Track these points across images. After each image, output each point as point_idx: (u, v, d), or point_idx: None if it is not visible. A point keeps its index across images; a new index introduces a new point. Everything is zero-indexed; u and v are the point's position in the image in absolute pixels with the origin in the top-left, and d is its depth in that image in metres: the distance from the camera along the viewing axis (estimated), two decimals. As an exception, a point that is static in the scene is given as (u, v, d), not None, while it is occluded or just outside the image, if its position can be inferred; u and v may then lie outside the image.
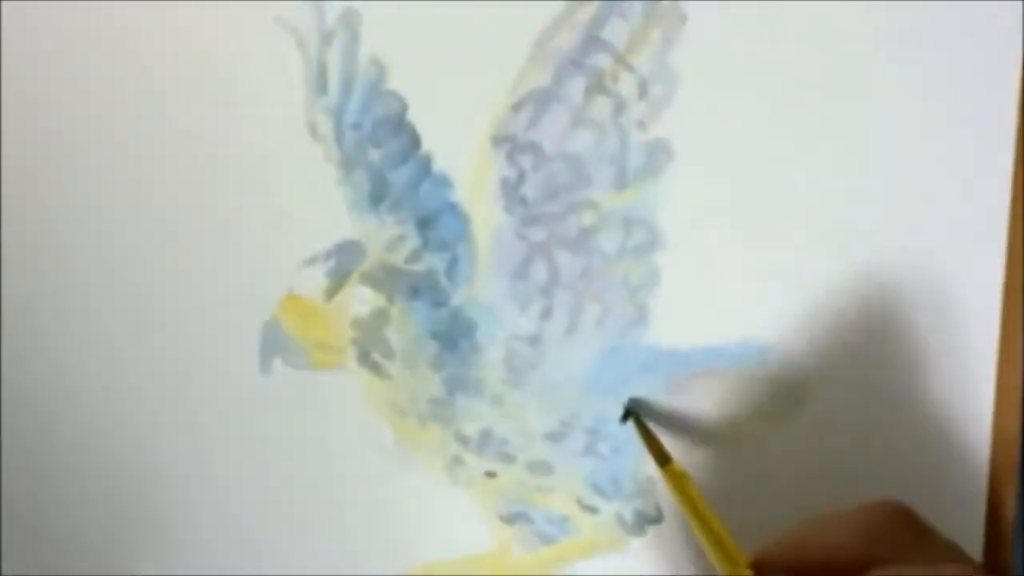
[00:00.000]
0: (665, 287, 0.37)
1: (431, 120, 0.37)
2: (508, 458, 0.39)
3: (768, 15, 0.34)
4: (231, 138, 0.38)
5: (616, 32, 0.35)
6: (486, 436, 0.39)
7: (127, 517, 0.42)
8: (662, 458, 0.36)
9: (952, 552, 0.30)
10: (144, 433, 0.41)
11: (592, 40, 0.35)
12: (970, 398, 0.36)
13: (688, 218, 0.36)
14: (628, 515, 0.39)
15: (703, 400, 0.38)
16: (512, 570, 0.40)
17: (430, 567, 0.41)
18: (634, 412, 0.37)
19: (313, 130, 0.38)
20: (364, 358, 0.39)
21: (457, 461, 0.39)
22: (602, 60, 0.35)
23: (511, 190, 0.37)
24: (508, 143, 0.36)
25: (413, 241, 0.38)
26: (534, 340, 0.38)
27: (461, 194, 0.37)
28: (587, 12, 0.35)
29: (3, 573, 0.42)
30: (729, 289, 0.37)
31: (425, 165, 0.37)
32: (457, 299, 0.38)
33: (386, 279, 0.38)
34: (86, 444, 0.41)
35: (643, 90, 0.36)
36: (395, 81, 0.37)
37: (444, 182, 0.37)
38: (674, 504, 0.39)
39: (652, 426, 0.38)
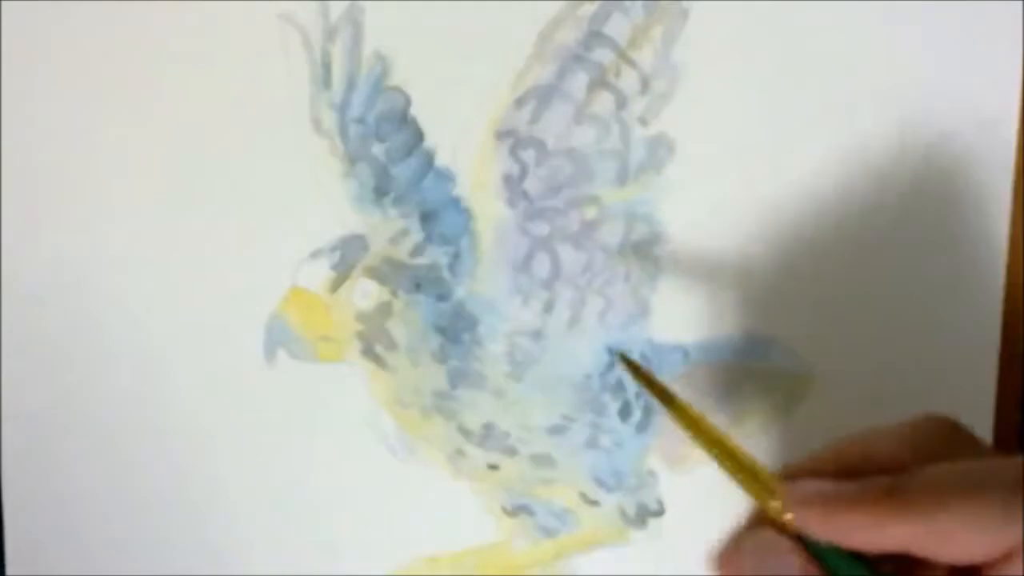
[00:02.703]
0: (666, 281, 0.37)
1: (434, 115, 0.37)
2: (511, 451, 0.39)
3: (769, 12, 0.35)
4: (236, 133, 0.38)
5: (618, 28, 0.35)
6: (489, 429, 0.39)
7: (129, 513, 0.42)
8: (666, 397, 0.33)
9: (1001, 457, 0.26)
10: (147, 426, 0.41)
11: (594, 36, 0.36)
12: (971, 396, 0.36)
13: (689, 213, 0.37)
14: (630, 508, 0.39)
15: (704, 394, 0.38)
16: (514, 562, 0.41)
17: (432, 559, 0.41)
18: (624, 358, 0.36)
19: (317, 125, 0.38)
20: (368, 351, 0.39)
21: (460, 454, 0.40)
22: (604, 55, 0.36)
23: (514, 185, 0.37)
24: (511, 138, 0.37)
25: (416, 235, 0.38)
26: (536, 334, 0.38)
27: (464, 189, 0.37)
28: (590, 8, 0.35)
29: (7, 574, 0.43)
30: (730, 284, 0.37)
31: (428, 160, 0.37)
32: (460, 293, 0.38)
33: (390, 273, 0.38)
34: (88, 439, 0.41)
35: (645, 85, 0.36)
36: (399, 76, 0.37)
37: (447, 177, 0.37)
38: (675, 496, 0.39)
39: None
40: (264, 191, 0.39)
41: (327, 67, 0.37)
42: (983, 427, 0.37)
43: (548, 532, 0.40)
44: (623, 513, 0.39)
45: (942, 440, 0.27)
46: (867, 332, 0.36)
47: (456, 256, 0.38)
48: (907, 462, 0.25)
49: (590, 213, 0.37)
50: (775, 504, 0.27)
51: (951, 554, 0.24)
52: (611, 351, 0.37)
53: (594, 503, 0.39)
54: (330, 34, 0.37)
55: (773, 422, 0.37)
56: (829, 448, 0.27)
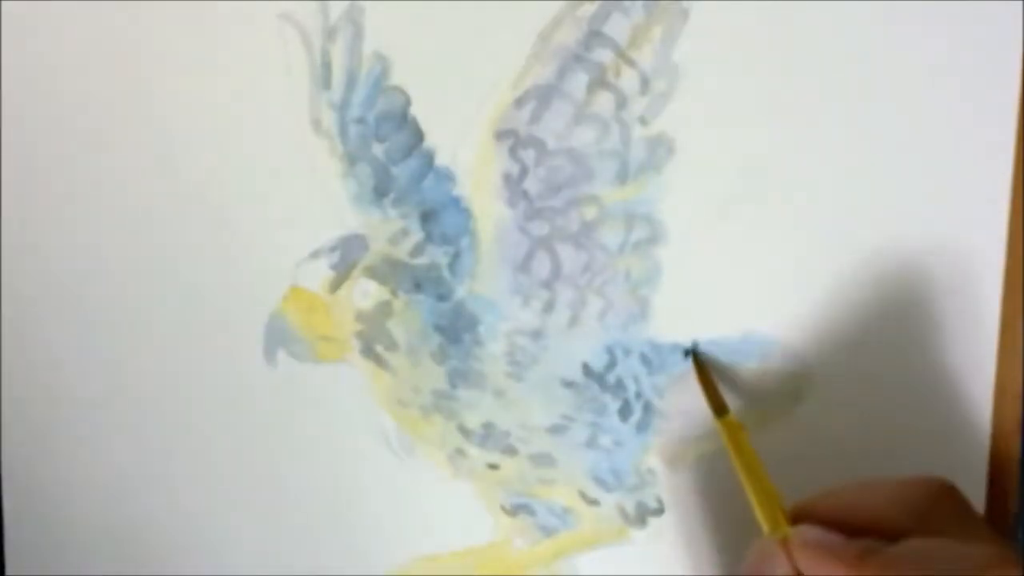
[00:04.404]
0: (666, 281, 0.37)
1: (434, 115, 0.37)
2: (510, 450, 0.39)
3: (769, 12, 0.34)
4: (236, 133, 0.38)
5: (618, 27, 0.35)
6: (489, 429, 0.39)
7: (128, 513, 0.42)
8: (719, 407, 0.36)
9: (990, 535, 0.30)
10: (148, 427, 0.41)
11: (594, 35, 0.35)
12: (970, 394, 0.36)
13: (689, 213, 0.36)
14: (630, 507, 0.39)
15: (703, 394, 0.38)
16: (514, 562, 0.41)
17: (432, 559, 0.41)
18: (696, 354, 0.37)
19: (317, 125, 0.38)
20: (368, 351, 0.39)
21: (460, 453, 0.40)
22: (604, 55, 0.36)
23: (514, 184, 0.37)
24: (511, 138, 0.37)
25: (416, 235, 0.38)
26: (536, 334, 0.38)
27: (464, 188, 0.37)
28: (590, 8, 0.35)
29: (7, 574, 0.43)
30: (730, 283, 0.37)
31: (428, 159, 0.37)
32: (460, 293, 0.38)
33: (390, 272, 0.38)
34: (89, 440, 0.42)
35: (645, 85, 0.36)
36: (398, 76, 0.37)
37: (447, 176, 0.37)
38: (675, 495, 0.39)
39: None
40: (264, 191, 0.39)
41: (327, 67, 0.37)
42: (982, 426, 0.37)
43: (548, 531, 0.40)
44: (623, 512, 0.39)
45: (936, 506, 0.30)
46: (867, 332, 0.36)
47: (456, 256, 0.38)
48: (902, 522, 0.30)
49: (590, 213, 0.37)
50: (779, 535, 0.31)
51: None
52: (687, 349, 0.37)
53: (594, 502, 0.40)
54: (330, 34, 0.37)
55: (773, 422, 0.37)
56: (837, 495, 0.32)
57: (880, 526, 0.30)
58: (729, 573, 0.39)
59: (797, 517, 0.32)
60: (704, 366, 0.37)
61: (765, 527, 0.32)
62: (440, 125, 0.37)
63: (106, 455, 0.42)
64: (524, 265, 0.37)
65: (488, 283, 0.38)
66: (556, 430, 0.39)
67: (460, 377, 0.39)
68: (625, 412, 0.38)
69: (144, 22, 0.38)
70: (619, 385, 0.38)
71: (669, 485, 0.39)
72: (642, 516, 0.39)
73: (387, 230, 0.38)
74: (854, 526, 0.30)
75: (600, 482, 0.39)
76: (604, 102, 0.36)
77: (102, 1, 0.38)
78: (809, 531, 0.30)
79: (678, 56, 0.35)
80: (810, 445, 0.37)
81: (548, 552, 0.40)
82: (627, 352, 0.38)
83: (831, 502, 0.31)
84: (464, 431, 0.39)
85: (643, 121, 0.36)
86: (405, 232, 0.38)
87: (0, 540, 0.43)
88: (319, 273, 0.39)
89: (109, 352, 0.41)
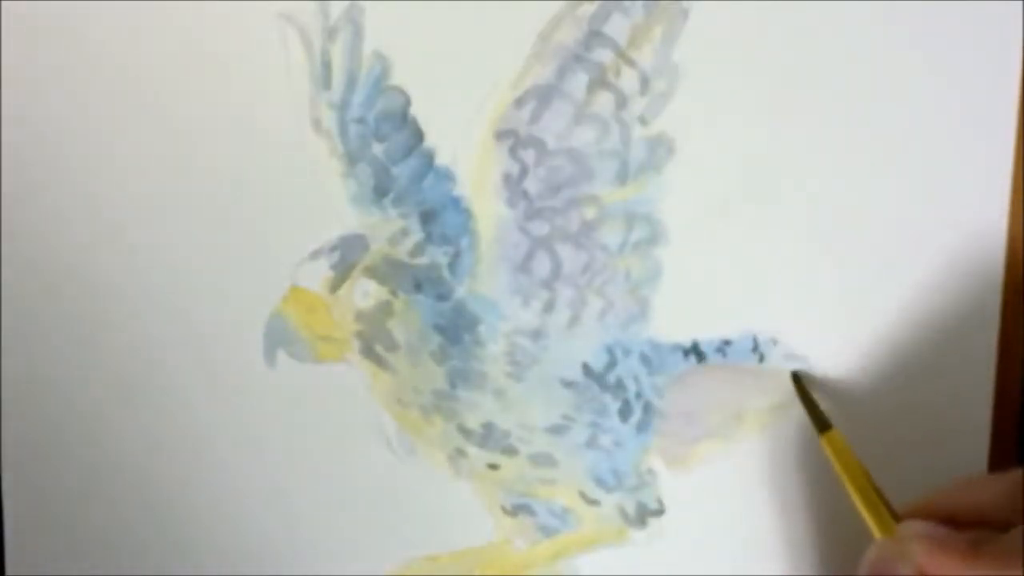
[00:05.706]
0: (666, 281, 0.37)
1: (434, 115, 0.37)
2: (511, 451, 0.39)
3: (769, 12, 0.35)
4: (236, 133, 0.38)
5: (618, 27, 0.35)
6: (489, 429, 0.39)
7: (129, 514, 0.42)
8: (823, 424, 0.36)
9: None
10: (147, 426, 0.41)
11: (594, 35, 0.35)
12: (970, 393, 0.36)
13: (689, 212, 0.37)
14: (630, 507, 0.39)
15: (703, 394, 0.38)
16: (514, 562, 0.41)
17: (432, 559, 0.41)
18: (797, 377, 0.37)
19: (317, 125, 0.38)
20: (368, 351, 0.39)
21: (460, 453, 0.40)
22: (604, 55, 0.36)
23: (514, 184, 0.37)
24: (511, 138, 0.37)
25: (416, 235, 0.38)
26: (536, 334, 0.38)
27: (464, 188, 0.37)
28: (589, 8, 0.35)
29: (7, 574, 0.43)
30: (730, 283, 0.37)
31: (428, 159, 0.37)
32: (460, 292, 0.38)
33: (390, 272, 0.38)
34: (89, 439, 0.41)
35: (645, 85, 0.36)
36: (398, 76, 0.37)
37: (447, 176, 0.37)
38: (675, 495, 0.39)
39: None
40: (264, 191, 0.39)
41: (327, 67, 0.37)
42: (982, 426, 0.37)
43: (548, 532, 0.40)
44: (623, 512, 0.39)
45: None
46: (867, 331, 0.36)
47: (456, 256, 0.38)
48: (1007, 514, 0.30)
49: (590, 213, 0.37)
50: (889, 535, 0.32)
51: None
52: (793, 375, 0.37)
53: (594, 503, 0.40)
54: (330, 34, 0.37)
55: (773, 422, 0.37)
56: (944, 492, 0.32)
57: (987, 520, 0.30)
58: (728, 573, 0.39)
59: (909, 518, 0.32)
60: (804, 387, 0.37)
61: (876, 529, 0.33)
62: (440, 125, 0.37)
63: (106, 455, 0.42)
64: (524, 265, 0.37)
65: (488, 283, 0.38)
66: (556, 430, 0.39)
67: (460, 377, 0.39)
68: (625, 412, 0.38)
69: (144, 22, 0.38)
70: (619, 385, 0.38)
71: (669, 486, 0.39)
72: (642, 516, 0.39)
73: (387, 230, 0.38)
74: (966, 519, 0.30)
75: (600, 482, 0.39)
76: (604, 102, 0.36)
77: (101, 1, 0.38)
78: (918, 525, 0.31)
79: (678, 56, 0.35)
80: (809, 446, 0.37)
81: (548, 552, 0.40)
82: (627, 352, 0.38)
83: (937, 502, 0.32)
84: (464, 431, 0.39)
85: (643, 121, 0.36)
86: (405, 232, 0.38)
87: (0, 540, 0.43)
88: (319, 273, 0.39)
89: (109, 352, 0.41)
